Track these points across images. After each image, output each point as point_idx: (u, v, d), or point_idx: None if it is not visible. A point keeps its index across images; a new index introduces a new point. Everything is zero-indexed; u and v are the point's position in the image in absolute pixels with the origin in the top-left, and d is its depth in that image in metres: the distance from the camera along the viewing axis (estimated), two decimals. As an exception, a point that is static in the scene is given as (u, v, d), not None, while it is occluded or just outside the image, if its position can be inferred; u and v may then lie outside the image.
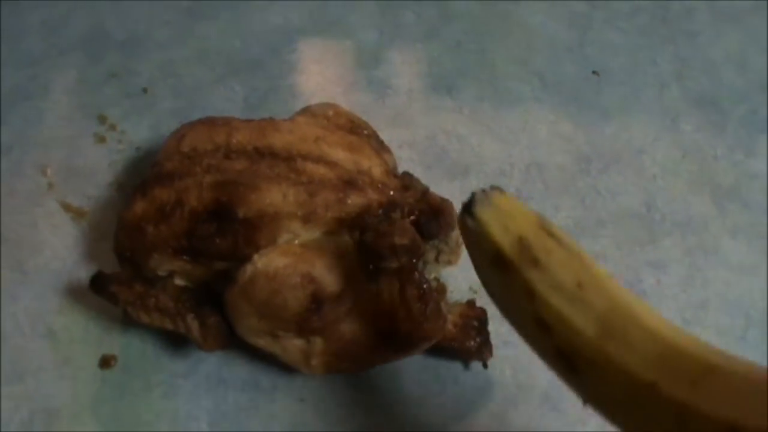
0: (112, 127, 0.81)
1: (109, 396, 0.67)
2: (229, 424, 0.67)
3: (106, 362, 0.68)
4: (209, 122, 0.68)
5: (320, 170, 0.61)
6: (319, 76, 0.85)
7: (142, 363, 0.69)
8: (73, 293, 0.70)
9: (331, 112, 0.70)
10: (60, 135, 0.80)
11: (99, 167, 0.78)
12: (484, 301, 0.69)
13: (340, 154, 0.64)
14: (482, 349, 0.67)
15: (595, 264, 0.47)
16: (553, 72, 0.87)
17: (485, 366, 0.68)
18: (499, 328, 0.70)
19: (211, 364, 0.69)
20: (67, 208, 0.76)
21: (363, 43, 0.88)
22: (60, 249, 0.74)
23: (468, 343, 0.66)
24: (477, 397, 0.69)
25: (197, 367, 0.69)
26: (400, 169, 0.73)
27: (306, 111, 0.70)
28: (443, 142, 0.81)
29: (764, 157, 0.81)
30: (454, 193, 0.74)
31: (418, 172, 0.75)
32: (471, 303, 0.68)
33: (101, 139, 0.80)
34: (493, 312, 0.68)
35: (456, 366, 0.69)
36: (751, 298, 0.72)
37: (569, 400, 0.68)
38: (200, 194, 0.61)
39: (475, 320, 0.67)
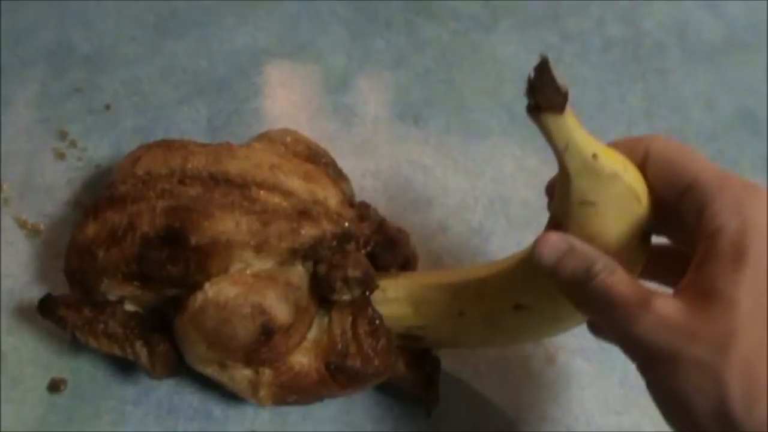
0: (73, 144, 0.79)
1: (57, 421, 0.66)
2: (178, 453, 0.66)
3: (55, 386, 0.67)
4: (166, 145, 0.66)
5: (275, 199, 0.61)
6: (285, 100, 0.84)
7: (92, 388, 0.67)
8: (24, 313, 0.69)
9: (289, 139, 0.69)
10: (19, 149, 0.79)
11: (57, 184, 0.77)
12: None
13: (295, 183, 0.63)
14: (429, 396, 0.66)
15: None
16: (522, 105, 0.84)
17: (429, 414, 0.67)
18: (452, 361, 0.69)
19: (162, 391, 0.68)
20: (22, 224, 0.74)
21: (331, 68, 0.87)
22: (12, 267, 0.72)
23: (416, 387, 0.66)
24: (431, 434, 0.68)
25: (148, 394, 0.67)
26: (364, 199, 0.73)
27: (264, 137, 0.69)
28: (408, 173, 0.80)
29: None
30: (416, 226, 0.74)
31: (381, 203, 0.75)
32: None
33: (61, 155, 0.78)
34: (449, 353, 0.68)
35: (411, 403, 0.68)
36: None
37: (524, 441, 0.68)
38: (153, 219, 0.60)
39: (427, 365, 0.66)
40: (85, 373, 0.68)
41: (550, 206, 0.58)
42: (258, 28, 0.90)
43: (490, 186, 0.80)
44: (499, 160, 0.82)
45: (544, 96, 0.46)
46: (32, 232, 0.74)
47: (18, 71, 0.84)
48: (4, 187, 0.76)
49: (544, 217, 0.77)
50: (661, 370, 0.45)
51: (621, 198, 0.50)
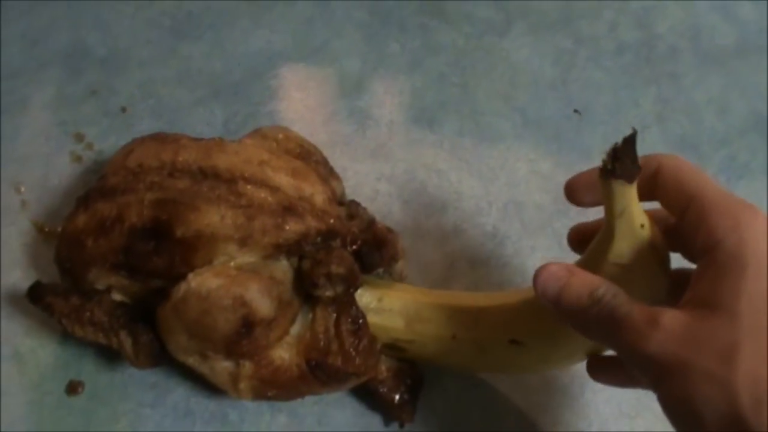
0: (89, 146, 0.80)
1: (75, 423, 0.67)
2: (194, 456, 0.66)
3: (73, 388, 0.68)
4: (159, 139, 0.68)
5: (261, 194, 0.61)
6: (300, 103, 0.85)
7: (109, 391, 0.68)
8: (43, 315, 0.69)
9: (281, 136, 0.70)
10: (36, 152, 0.79)
11: (74, 187, 0.77)
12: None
13: (282, 179, 0.63)
14: (405, 408, 0.67)
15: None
16: (535, 109, 0.87)
17: (401, 426, 0.68)
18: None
19: (178, 394, 0.68)
20: (39, 227, 0.75)
21: (346, 71, 0.87)
22: (30, 269, 0.73)
23: (394, 395, 0.67)
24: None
25: (165, 398, 0.68)
26: (379, 204, 0.73)
27: (257, 133, 0.70)
28: (422, 177, 0.80)
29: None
30: (430, 230, 0.74)
31: (395, 207, 0.76)
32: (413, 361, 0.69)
33: (77, 158, 0.79)
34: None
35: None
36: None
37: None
38: (141, 211, 0.61)
39: (409, 378, 0.67)
40: (102, 375, 0.69)
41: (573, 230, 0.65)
42: (273, 31, 0.90)
43: (504, 190, 0.80)
44: (513, 164, 0.82)
45: (623, 165, 0.50)
46: (49, 235, 0.74)
47: (34, 73, 0.85)
48: (22, 189, 0.77)
49: (558, 221, 0.78)
50: (672, 383, 0.46)
51: (652, 266, 0.54)
